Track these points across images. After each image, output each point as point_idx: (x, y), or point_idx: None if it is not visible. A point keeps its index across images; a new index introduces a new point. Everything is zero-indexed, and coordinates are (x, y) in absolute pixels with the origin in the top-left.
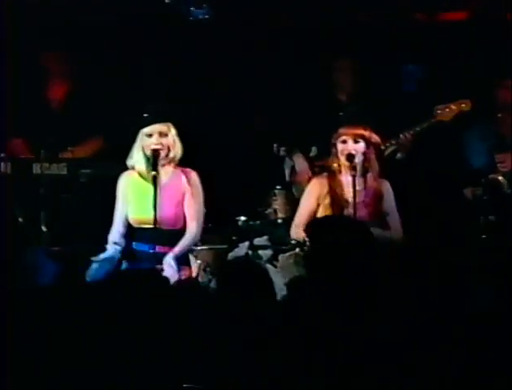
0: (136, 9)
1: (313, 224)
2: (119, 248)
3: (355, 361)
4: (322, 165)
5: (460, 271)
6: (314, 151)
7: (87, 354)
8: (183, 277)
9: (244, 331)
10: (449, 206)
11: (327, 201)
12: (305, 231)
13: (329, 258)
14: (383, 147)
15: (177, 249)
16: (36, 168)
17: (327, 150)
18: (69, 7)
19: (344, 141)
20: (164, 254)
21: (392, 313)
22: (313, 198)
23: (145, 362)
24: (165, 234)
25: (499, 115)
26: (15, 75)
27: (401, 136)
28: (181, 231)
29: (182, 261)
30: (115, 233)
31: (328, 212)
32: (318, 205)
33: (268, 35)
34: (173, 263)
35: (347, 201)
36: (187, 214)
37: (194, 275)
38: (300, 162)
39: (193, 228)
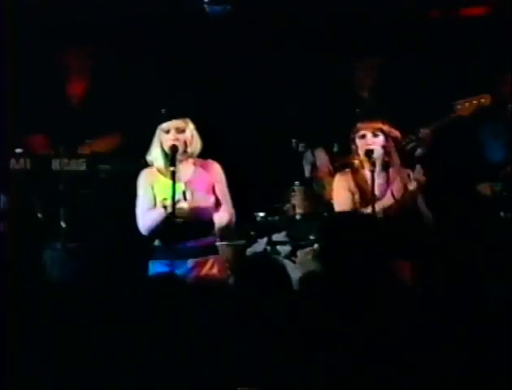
0: (154, 5)
1: (328, 221)
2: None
3: (373, 357)
4: (343, 162)
5: (479, 267)
6: (335, 147)
7: (104, 350)
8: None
9: (261, 327)
10: (468, 202)
11: (357, 196)
12: (320, 227)
13: (344, 255)
14: (403, 143)
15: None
16: (56, 164)
17: (348, 147)
18: (88, 3)
19: (363, 136)
20: (193, 248)
21: (411, 310)
22: (345, 191)
23: (163, 360)
24: (195, 226)
25: None
26: (34, 71)
27: (421, 131)
28: (207, 227)
29: (211, 251)
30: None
31: (358, 207)
32: (353, 194)
33: (287, 31)
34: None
35: (375, 195)
36: (223, 202)
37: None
38: (322, 157)
39: (225, 216)
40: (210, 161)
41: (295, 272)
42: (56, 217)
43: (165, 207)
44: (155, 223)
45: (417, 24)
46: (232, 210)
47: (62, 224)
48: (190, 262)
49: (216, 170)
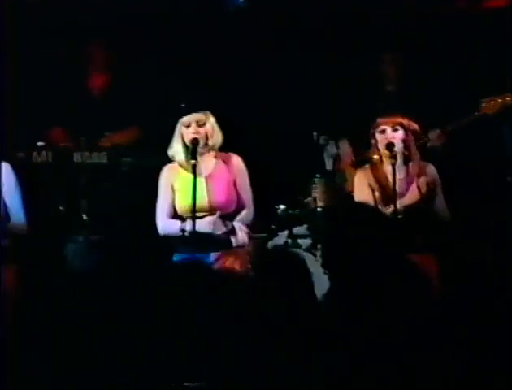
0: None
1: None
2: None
3: (394, 349)
4: (364, 157)
5: (506, 265)
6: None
7: (126, 341)
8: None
9: (281, 320)
10: (492, 200)
11: (377, 192)
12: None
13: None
14: (424, 139)
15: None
16: (77, 157)
17: (367, 141)
18: None
19: (383, 131)
20: (215, 241)
21: (427, 307)
22: (365, 187)
23: (183, 352)
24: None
25: None
26: (55, 64)
27: (447, 128)
28: (233, 216)
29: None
30: (168, 220)
31: (379, 202)
32: (373, 190)
33: (308, 23)
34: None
35: (395, 191)
36: (243, 197)
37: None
38: (345, 149)
39: (249, 209)
40: (231, 154)
41: (316, 265)
42: (78, 210)
43: (183, 229)
44: (173, 232)
45: (443, 18)
46: (252, 207)
47: (84, 217)
48: (213, 255)
49: (237, 163)
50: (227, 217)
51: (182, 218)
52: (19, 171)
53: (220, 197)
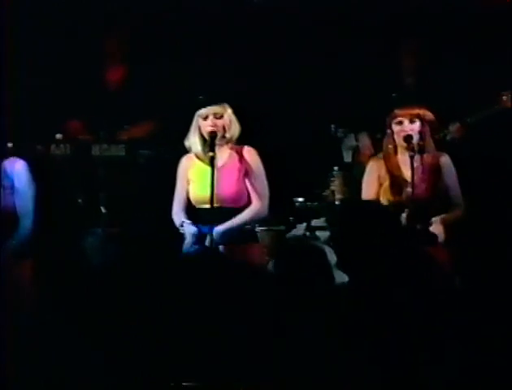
0: None
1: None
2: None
3: (412, 339)
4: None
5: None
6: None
7: (144, 332)
8: (250, 254)
9: (300, 312)
10: (510, 193)
11: (387, 182)
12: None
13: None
14: (442, 133)
15: (236, 219)
16: (95, 149)
17: (382, 132)
18: None
19: (400, 122)
20: (226, 236)
21: (447, 297)
22: (374, 179)
23: (201, 342)
24: (226, 213)
25: None
26: (73, 57)
27: (468, 120)
28: (244, 210)
29: (249, 238)
30: (179, 214)
31: (388, 193)
32: (381, 185)
33: (325, 14)
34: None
35: (406, 181)
36: (251, 191)
37: None
38: (364, 142)
39: (257, 204)
40: (245, 147)
41: (334, 258)
42: (96, 202)
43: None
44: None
45: (465, 7)
46: (265, 201)
47: (103, 210)
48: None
49: (251, 157)
50: (237, 211)
51: (194, 210)
52: (37, 163)
53: (229, 189)
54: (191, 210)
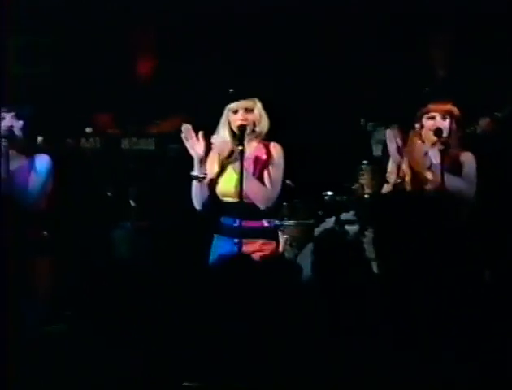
0: None
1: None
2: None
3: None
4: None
5: None
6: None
7: (171, 325)
8: (268, 252)
9: (328, 305)
10: None
11: (408, 177)
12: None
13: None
14: (472, 128)
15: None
16: (125, 143)
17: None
18: None
19: (433, 117)
20: (249, 228)
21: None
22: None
23: (227, 338)
24: (251, 207)
25: None
26: (105, 50)
27: (497, 114)
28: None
29: (269, 235)
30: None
31: (409, 186)
32: (402, 179)
33: (355, 9)
34: None
35: (427, 176)
36: (265, 178)
37: (281, 249)
38: (395, 135)
39: (267, 188)
40: (272, 143)
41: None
42: (125, 196)
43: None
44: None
45: (495, 3)
46: (276, 188)
47: (132, 203)
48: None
49: (275, 151)
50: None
51: (219, 202)
52: (65, 158)
53: (253, 182)
54: (217, 202)
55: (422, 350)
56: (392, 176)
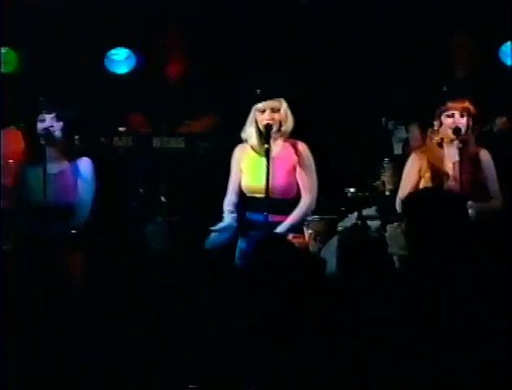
0: None
1: (408, 198)
2: (235, 216)
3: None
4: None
5: None
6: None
7: (199, 318)
8: (296, 245)
9: (351, 297)
10: None
11: (428, 174)
12: (402, 204)
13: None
14: (488, 126)
15: (291, 218)
16: (156, 142)
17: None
18: None
19: (452, 115)
20: (276, 223)
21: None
22: (414, 172)
23: (253, 326)
24: (277, 203)
25: None
26: (137, 54)
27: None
28: (293, 201)
29: (296, 229)
30: (230, 202)
31: (429, 185)
32: (420, 178)
33: (376, 11)
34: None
35: (447, 174)
36: (300, 185)
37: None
38: (415, 133)
39: (306, 199)
40: (298, 142)
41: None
42: (157, 192)
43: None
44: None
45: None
46: (314, 195)
47: (163, 199)
48: (282, 235)
49: (304, 152)
50: (287, 202)
51: (246, 198)
52: (100, 155)
53: (281, 180)
54: (243, 198)
55: (445, 340)
56: None
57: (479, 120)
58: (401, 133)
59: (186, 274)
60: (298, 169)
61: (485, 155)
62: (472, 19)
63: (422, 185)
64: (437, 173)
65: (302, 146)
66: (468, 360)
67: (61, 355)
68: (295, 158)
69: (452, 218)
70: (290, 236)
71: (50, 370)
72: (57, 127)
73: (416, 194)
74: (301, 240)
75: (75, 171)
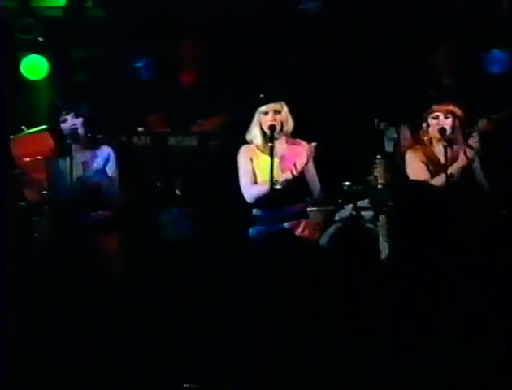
0: (257, 3)
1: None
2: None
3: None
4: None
5: None
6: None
7: (209, 304)
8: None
9: (346, 280)
10: None
11: (431, 167)
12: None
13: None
14: (471, 127)
15: (300, 205)
16: (171, 140)
17: (418, 125)
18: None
19: (437, 117)
20: (287, 213)
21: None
22: (419, 162)
23: (259, 314)
24: (284, 197)
25: None
26: (156, 63)
27: (494, 118)
28: (298, 195)
29: (302, 216)
30: (250, 187)
31: (432, 176)
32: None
33: (369, 19)
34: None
35: (441, 167)
36: (309, 177)
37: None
38: (404, 134)
39: (316, 187)
40: (298, 140)
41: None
42: (172, 186)
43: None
44: (260, 195)
45: (490, 17)
46: (318, 183)
47: (177, 192)
48: (285, 225)
49: (304, 148)
50: (296, 191)
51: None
52: (121, 152)
53: (289, 175)
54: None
55: (432, 327)
56: None
57: (464, 122)
58: (392, 133)
59: (197, 259)
60: (306, 164)
61: (472, 153)
62: (458, 30)
63: (426, 173)
64: (434, 166)
65: (304, 145)
66: (459, 343)
67: (60, 354)
68: (299, 154)
69: (437, 210)
70: (287, 224)
71: (51, 365)
72: (78, 124)
73: (406, 187)
74: (311, 223)
75: (98, 158)
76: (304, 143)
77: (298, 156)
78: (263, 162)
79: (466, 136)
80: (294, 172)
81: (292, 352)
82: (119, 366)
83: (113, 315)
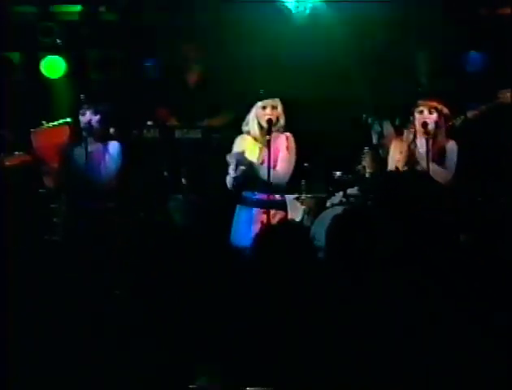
0: (262, 8)
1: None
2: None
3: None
4: (402, 132)
5: None
6: (397, 121)
7: (214, 294)
8: (280, 220)
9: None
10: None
11: (405, 154)
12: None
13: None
14: (453, 121)
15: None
16: (178, 133)
17: (407, 120)
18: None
19: (421, 111)
20: (270, 200)
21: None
22: (396, 152)
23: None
24: (272, 184)
25: None
26: (162, 62)
27: (470, 114)
28: (281, 186)
29: (281, 206)
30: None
31: (407, 165)
32: (399, 157)
33: (363, 22)
34: None
35: (421, 157)
36: (279, 158)
37: (299, 218)
38: (388, 128)
39: (286, 169)
40: (287, 133)
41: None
42: (178, 175)
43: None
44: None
45: (466, 21)
46: (286, 171)
47: (183, 180)
48: (256, 210)
49: (288, 140)
50: (281, 185)
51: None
52: (133, 144)
53: (280, 163)
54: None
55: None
56: None
57: (448, 117)
58: (378, 127)
59: (201, 243)
60: (284, 150)
61: (452, 145)
62: (440, 35)
63: (401, 163)
64: (412, 156)
65: (290, 137)
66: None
67: (60, 352)
68: (285, 143)
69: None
70: (272, 212)
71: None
72: (95, 120)
73: (391, 174)
74: (283, 215)
75: (106, 151)
76: (290, 136)
77: (280, 147)
78: (255, 151)
79: (448, 131)
80: (278, 167)
81: (292, 344)
82: (122, 365)
83: (117, 313)
